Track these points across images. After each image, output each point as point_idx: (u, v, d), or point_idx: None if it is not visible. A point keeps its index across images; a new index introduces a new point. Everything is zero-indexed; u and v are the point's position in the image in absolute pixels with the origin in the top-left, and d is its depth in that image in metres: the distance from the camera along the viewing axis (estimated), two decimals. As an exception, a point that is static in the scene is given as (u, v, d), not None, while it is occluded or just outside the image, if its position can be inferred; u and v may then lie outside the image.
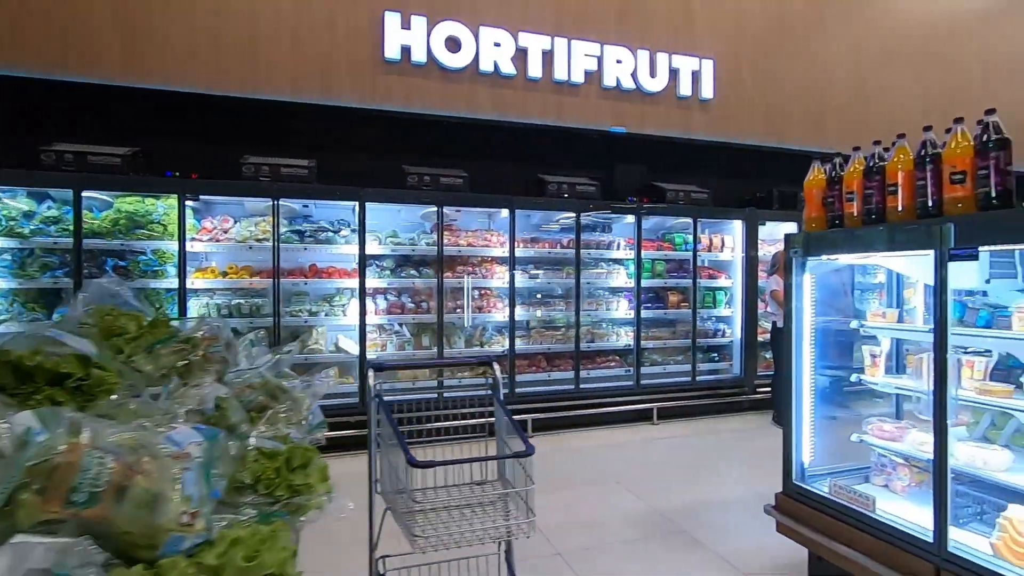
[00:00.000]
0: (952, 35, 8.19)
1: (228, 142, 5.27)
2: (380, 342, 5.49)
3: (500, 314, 5.76)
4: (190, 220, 4.84)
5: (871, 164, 2.48)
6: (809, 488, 2.80)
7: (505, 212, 5.66)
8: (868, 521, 2.47)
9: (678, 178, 6.61)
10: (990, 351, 2.47)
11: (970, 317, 2.68)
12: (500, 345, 5.74)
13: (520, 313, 5.87)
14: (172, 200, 4.65)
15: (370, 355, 5.30)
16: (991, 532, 2.18)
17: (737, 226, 6.62)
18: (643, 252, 6.23)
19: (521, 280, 5.85)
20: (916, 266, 2.57)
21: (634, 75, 6.62)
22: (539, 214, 6.11)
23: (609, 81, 6.52)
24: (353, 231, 5.21)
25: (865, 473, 3.01)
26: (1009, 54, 8.44)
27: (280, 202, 4.91)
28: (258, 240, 4.97)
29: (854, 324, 2.84)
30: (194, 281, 4.81)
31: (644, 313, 6.28)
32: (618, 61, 6.53)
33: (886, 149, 2.50)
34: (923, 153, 2.25)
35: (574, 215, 5.84)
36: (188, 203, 4.71)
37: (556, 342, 5.98)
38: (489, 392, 2.39)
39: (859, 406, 3.21)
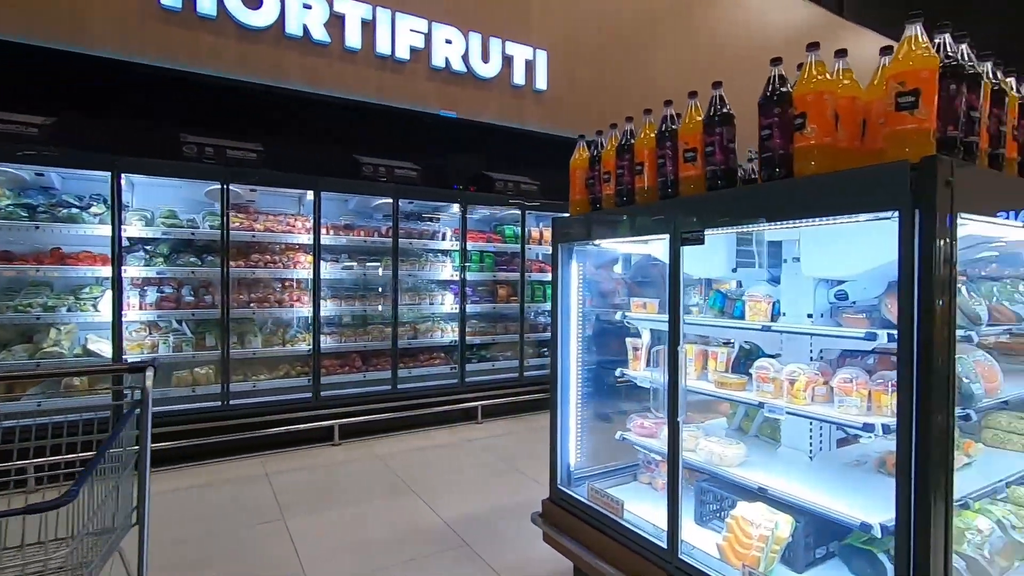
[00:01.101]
0: (765, 51, 8.92)
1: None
2: (151, 342, 4.61)
3: (306, 308, 5.13)
4: None
5: (623, 142, 2.30)
6: (572, 493, 2.60)
7: (312, 194, 5.03)
8: (616, 528, 2.29)
9: (513, 170, 6.41)
10: (732, 342, 2.41)
11: (729, 307, 2.62)
12: (306, 343, 5.11)
13: (332, 308, 5.29)
14: None
15: (133, 357, 4.42)
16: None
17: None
18: (472, 244, 5.94)
19: (333, 271, 5.28)
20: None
21: (465, 58, 6.31)
22: (355, 199, 5.56)
23: (438, 61, 6.14)
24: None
25: (635, 471, 2.90)
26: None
27: (-4, 167, 3.88)
28: (-37, 215, 3.89)
29: (618, 316, 2.68)
30: None
31: (472, 307, 5.99)
32: (447, 41, 6.17)
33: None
34: (663, 129, 2.09)
35: (392, 201, 5.37)
36: None
37: (373, 339, 5.48)
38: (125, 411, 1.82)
39: (634, 401, 3.10)
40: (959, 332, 1.50)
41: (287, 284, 5.18)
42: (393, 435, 5.28)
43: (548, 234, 6.60)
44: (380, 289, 5.62)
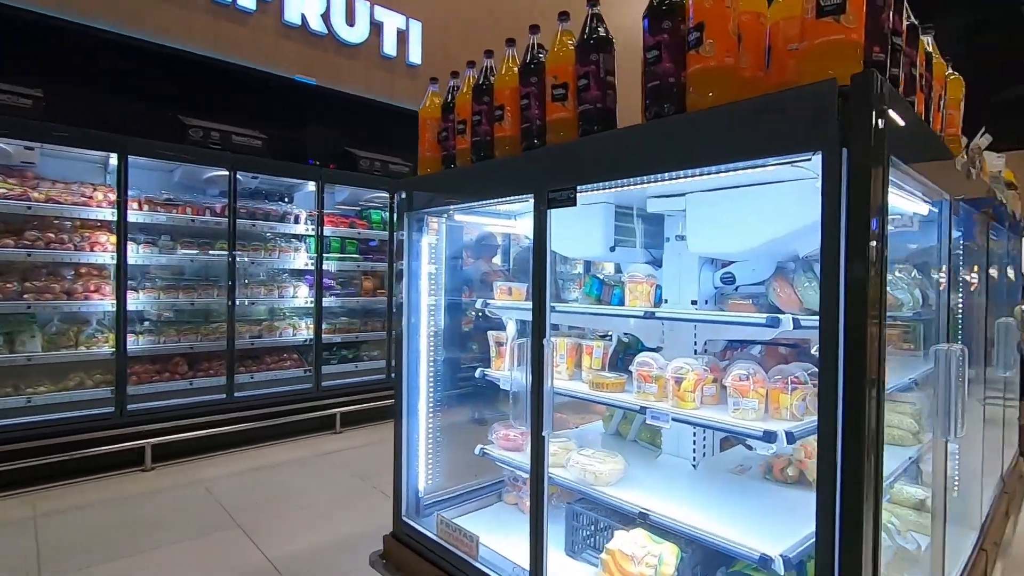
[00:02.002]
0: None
1: None
2: None
3: (110, 301, 4.09)
4: None
5: (480, 82, 1.82)
6: (418, 527, 2.08)
7: (116, 158, 4.02)
8: (470, 571, 1.81)
9: (382, 149, 5.74)
10: (610, 334, 2.04)
11: (607, 295, 2.25)
12: (108, 344, 4.08)
13: (148, 301, 4.30)
14: None
15: None
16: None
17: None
18: (333, 229, 5.20)
19: (149, 256, 4.29)
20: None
21: (326, 18, 5.54)
22: (181, 169, 4.58)
23: (292, 17, 5.31)
24: None
25: (501, 489, 2.45)
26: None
27: None
28: None
29: (479, 304, 2.21)
30: None
31: (332, 301, 5.26)
32: (304, -6, 5.37)
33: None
34: (528, 61, 1.63)
35: (228, 173, 4.49)
36: None
37: (206, 339, 4.56)
38: None
39: (503, 407, 2.66)
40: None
41: (83, 270, 4.11)
42: (227, 453, 4.41)
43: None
44: (215, 279, 4.70)
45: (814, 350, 2.04)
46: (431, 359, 2.21)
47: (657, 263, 2.22)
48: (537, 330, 1.55)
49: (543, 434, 1.54)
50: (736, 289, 1.97)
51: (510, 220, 2.45)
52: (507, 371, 2.17)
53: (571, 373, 1.99)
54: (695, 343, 2.01)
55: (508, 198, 1.68)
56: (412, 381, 2.15)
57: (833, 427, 1.03)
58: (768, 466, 1.96)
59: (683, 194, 1.78)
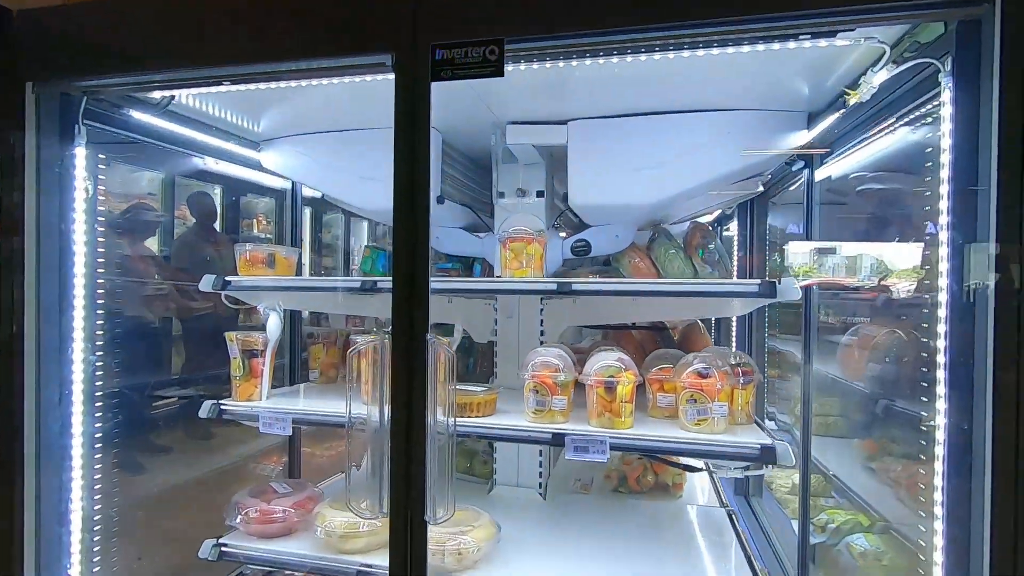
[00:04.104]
0: None
1: None
2: None
3: None
4: None
5: None
6: None
7: None
8: None
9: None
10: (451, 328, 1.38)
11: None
12: None
13: None
14: None
15: None
16: None
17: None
18: None
19: None
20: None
21: None
22: None
23: None
24: None
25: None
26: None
27: None
28: None
29: (206, 285, 1.22)
30: None
31: None
32: None
33: None
34: None
35: None
36: None
37: None
38: None
39: (244, 455, 1.67)
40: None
41: None
42: None
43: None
44: None
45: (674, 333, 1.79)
46: (96, 387, 1.13)
47: (477, 228, 1.66)
48: (407, 322, 0.79)
49: (427, 517, 0.79)
50: (592, 261, 1.57)
51: (250, 150, 1.50)
52: (266, 400, 1.26)
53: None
54: (541, 332, 1.52)
55: (323, 61, 0.85)
56: (53, 440, 1.03)
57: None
58: (620, 476, 1.62)
59: (564, 121, 1.27)
